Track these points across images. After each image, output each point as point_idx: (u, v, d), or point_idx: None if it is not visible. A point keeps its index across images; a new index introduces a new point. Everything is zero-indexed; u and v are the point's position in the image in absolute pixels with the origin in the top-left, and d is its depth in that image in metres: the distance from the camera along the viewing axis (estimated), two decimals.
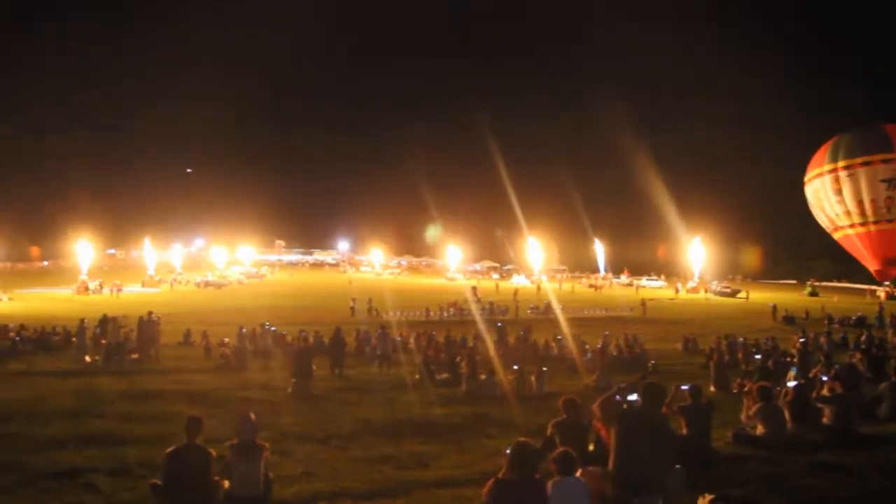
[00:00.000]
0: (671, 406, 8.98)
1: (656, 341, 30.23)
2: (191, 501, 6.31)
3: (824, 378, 12.33)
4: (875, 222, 64.56)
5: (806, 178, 68.96)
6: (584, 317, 45.19)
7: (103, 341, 23.26)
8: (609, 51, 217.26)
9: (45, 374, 18.09)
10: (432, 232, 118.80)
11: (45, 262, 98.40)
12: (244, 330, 24.03)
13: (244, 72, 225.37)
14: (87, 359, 21.38)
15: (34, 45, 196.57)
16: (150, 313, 23.34)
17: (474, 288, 61.10)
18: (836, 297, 61.98)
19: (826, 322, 38.03)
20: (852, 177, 63.86)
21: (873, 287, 68.04)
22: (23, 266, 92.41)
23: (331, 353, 20.30)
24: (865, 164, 63.01)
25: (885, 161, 64.09)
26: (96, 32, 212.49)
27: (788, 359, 19.40)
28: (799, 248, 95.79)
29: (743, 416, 9.84)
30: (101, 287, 61.35)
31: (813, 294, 68.76)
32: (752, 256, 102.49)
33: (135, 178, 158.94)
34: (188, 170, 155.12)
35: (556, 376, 18.81)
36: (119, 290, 59.82)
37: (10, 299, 51.26)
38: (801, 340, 23.79)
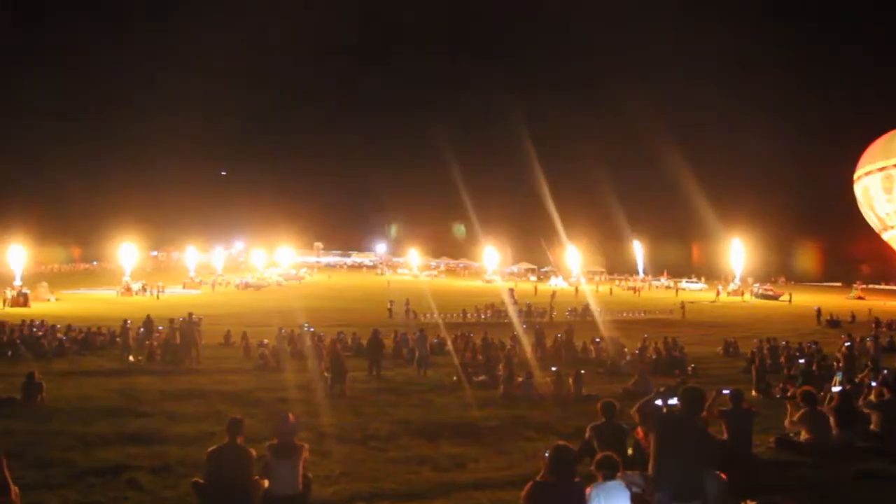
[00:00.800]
0: (712, 410, 8.84)
1: (696, 344, 29.84)
2: (231, 500, 6.39)
3: (872, 383, 12.03)
4: None
5: (856, 176, 67.88)
6: (623, 319, 44.80)
7: (147, 342, 23.72)
8: (646, 49, 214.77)
9: (90, 374, 18.49)
10: (460, 230, 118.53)
11: (94, 263, 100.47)
12: (283, 331, 24.29)
13: (285, 74, 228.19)
14: (131, 359, 21.81)
15: (74, 49, 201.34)
16: (190, 314, 23.73)
17: (511, 290, 60.91)
18: (883, 300, 60.54)
19: (873, 325, 37.10)
20: None
21: None
22: (68, 268, 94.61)
23: (368, 355, 20.43)
24: None
25: None
26: (137, 36, 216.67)
27: (834, 363, 18.96)
28: (845, 249, 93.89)
29: (786, 423, 9.62)
30: (145, 289, 62.50)
31: (859, 298, 67.13)
32: (795, 258, 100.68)
33: (177, 181, 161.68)
34: (222, 172, 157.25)
35: (595, 379, 18.67)
36: (161, 292, 60.90)
37: (56, 300, 52.57)
38: (847, 344, 23.26)
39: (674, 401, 7.12)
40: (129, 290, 61.79)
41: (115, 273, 73.13)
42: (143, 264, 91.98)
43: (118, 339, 23.63)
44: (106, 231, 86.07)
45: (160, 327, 26.87)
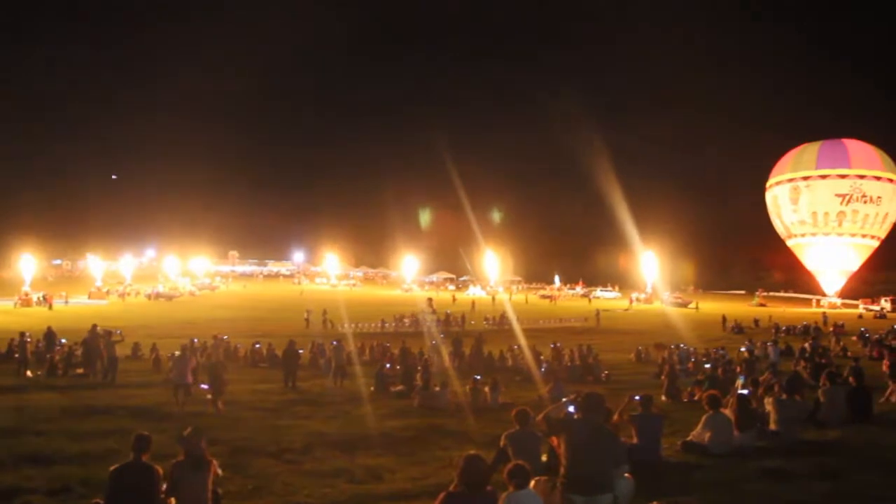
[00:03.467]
0: (623, 415, 9.09)
1: (610, 351, 30.55)
2: None
3: (772, 386, 12.66)
4: (825, 234, 67.60)
5: (767, 184, 71.99)
6: (539, 328, 45.50)
7: (48, 356, 22.60)
8: (567, 58, 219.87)
9: None
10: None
11: None
12: (195, 341, 23.66)
13: (199, 81, 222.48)
14: (29, 374, 20.74)
15: None
16: (94, 326, 22.68)
17: (430, 299, 61.11)
18: (782, 307, 63.62)
19: (773, 331, 38.92)
20: (810, 188, 67.22)
21: (819, 297, 70.18)
22: None
23: (284, 366, 20.11)
24: (823, 177, 66.35)
25: (841, 177, 67.77)
26: (30, 35, 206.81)
27: (737, 368, 19.79)
28: (759, 258, 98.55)
29: (692, 435, 9.93)
30: (46, 299, 59.12)
31: (760, 305, 70.34)
32: (706, 267, 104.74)
33: (84, 187, 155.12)
34: (113, 176, 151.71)
35: (511, 387, 18.88)
36: (50, 304, 57.17)
37: None
38: (744, 349, 24.44)
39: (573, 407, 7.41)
40: (27, 300, 58.54)
41: (14, 283, 69.35)
42: (45, 273, 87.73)
43: (16, 354, 22.40)
44: (3, 238, 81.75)
45: (62, 340, 25.63)
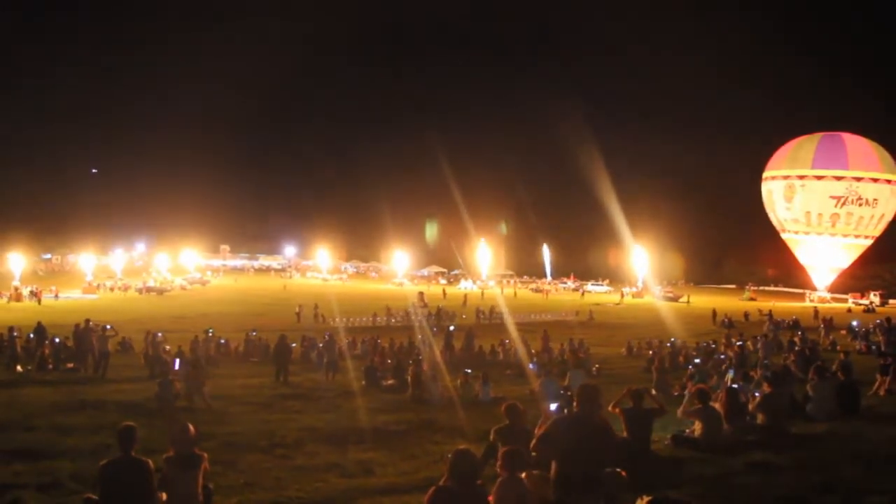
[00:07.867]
0: (616, 407, 9.10)
1: (601, 345, 30.66)
2: None
3: (760, 379, 12.73)
4: (818, 234, 66.49)
5: (764, 176, 71.14)
6: (531, 321, 45.57)
7: (38, 351, 22.50)
8: (557, 52, 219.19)
9: None
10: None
11: None
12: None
13: (191, 76, 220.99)
14: (19, 368, 20.66)
15: None
16: (87, 321, 22.62)
17: (421, 293, 61.17)
18: (773, 301, 63.84)
19: (766, 324, 39.06)
20: (805, 188, 65.99)
21: (810, 291, 70.39)
22: None
23: (275, 360, 20.12)
24: (819, 177, 65.10)
25: (837, 178, 66.26)
26: (32, 35, 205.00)
27: (728, 361, 19.89)
28: (740, 253, 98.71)
29: (679, 411, 10.03)
30: (35, 294, 58.67)
31: (751, 299, 70.42)
32: (694, 262, 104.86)
33: (74, 181, 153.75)
34: (93, 170, 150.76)
35: (503, 381, 18.93)
36: (39, 299, 56.80)
37: None
38: (738, 343, 24.52)
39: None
40: (18, 295, 58.15)
41: (4, 278, 68.98)
42: (35, 268, 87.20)
43: (6, 344, 22.33)
44: None
45: (56, 338, 25.51)
